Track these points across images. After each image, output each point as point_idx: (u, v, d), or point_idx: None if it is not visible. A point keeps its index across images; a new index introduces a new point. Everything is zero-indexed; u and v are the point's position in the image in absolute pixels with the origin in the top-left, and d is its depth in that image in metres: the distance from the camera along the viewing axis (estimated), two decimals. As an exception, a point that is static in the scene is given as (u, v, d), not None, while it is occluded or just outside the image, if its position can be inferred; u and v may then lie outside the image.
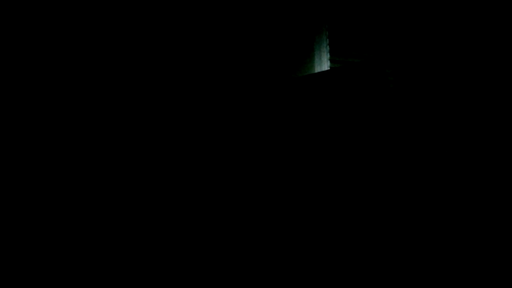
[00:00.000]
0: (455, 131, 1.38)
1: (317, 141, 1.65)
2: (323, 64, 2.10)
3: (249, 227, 1.41)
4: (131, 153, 1.64)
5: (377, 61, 1.72)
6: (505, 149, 1.29)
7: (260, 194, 1.53)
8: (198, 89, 1.85)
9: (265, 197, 1.52)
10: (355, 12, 2.19)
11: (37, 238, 1.43)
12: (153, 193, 1.57)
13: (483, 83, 1.38)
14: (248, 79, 1.96)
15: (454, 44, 1.51)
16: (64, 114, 1.62)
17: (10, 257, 1.37)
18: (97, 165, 1.60)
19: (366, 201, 1.46)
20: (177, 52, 1.86)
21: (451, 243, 1.20)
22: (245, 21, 1.99)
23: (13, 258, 1.37)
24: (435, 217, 1.31)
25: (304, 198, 1.52)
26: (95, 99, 1.66)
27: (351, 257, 1.27)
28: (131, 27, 1.76)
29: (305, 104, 1.71)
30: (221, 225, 1.44)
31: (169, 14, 1.84)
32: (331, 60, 2.12)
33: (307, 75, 1.72)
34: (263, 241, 1.35)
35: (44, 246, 1.42)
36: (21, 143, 1.54)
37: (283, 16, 2.07)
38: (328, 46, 2.14)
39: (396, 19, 2.12)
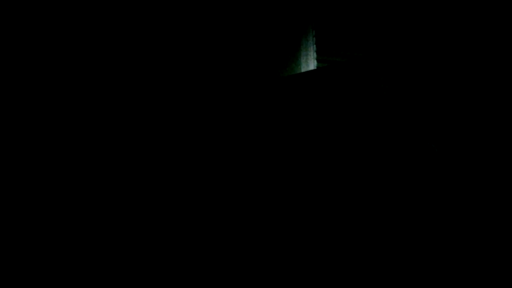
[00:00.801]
0: (452, 136, 1.35)
1: (303, 142, 1.61)
2: (309, 63, 2.06)
3: (236, 228, 1.38)
4: (128, 151, 1.62)
5: (366, 60, 1.69)
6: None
7: (250, 194, 1.50)
8: (178, 90, 1.80)
9: (257, 197, 1.49)
10: (343, 10, 2.17)
11: (36, 238, 1.40)
12: (152, 193, 1.55)
13: (488, 85, 1.35)
14: (232, 80, 1.92)
15: (451, 43, 1.48)
16: (63, 114, 1.58)
17: (9, 257, 1.35)
18: (96, 164, 1.57)
19: (355, 202, 1.43)
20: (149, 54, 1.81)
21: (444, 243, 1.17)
22: (229, 21, 1.95)
23: (13, 258, 1.35)
24: (429, 217, 1.28)
25: (294, 198, 1.49)
26: (94, 98, 1.63)
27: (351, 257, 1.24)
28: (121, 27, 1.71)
29: (290, 105, 1.67)
30: (211, 225, 1.41)
31: (158, 16, 1.80)
32: (317, 60, 2.08)
33: (293, 75, 1.68)
34: (259, 241, 1.32)
35: (43, 246, 1.40)
36: (20, 143, 1.51)
37: (268, 15, 2.03)
38: (314, 45, 2.10)
39: (386, 16, 2.10)
